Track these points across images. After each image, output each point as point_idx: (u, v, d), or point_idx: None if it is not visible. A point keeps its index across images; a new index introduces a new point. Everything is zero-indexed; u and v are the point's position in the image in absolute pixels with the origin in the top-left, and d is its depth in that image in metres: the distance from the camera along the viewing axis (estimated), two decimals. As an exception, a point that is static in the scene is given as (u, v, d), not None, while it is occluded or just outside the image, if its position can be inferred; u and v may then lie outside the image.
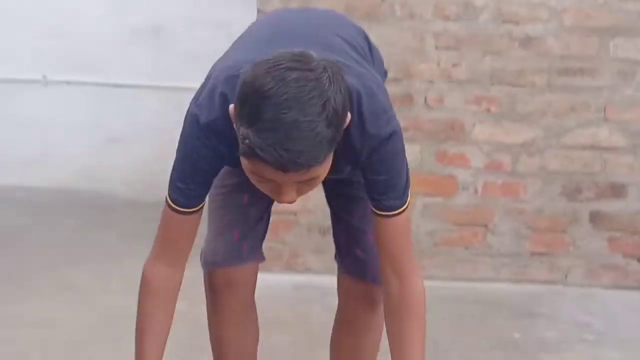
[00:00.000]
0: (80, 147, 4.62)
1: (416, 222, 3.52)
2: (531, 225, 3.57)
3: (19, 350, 2.86)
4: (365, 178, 1.81)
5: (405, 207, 1.81)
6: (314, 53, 1.61)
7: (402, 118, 3.42)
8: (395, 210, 1.80)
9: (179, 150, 1.80)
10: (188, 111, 1.78)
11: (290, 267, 3.55)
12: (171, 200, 1.81)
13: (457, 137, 3.51)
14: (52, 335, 3.00)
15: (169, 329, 1.87)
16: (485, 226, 3.57)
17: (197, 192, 1.80)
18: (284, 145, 1.55)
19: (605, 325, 3.22)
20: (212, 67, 1.82)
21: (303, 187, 1.65)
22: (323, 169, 1.63)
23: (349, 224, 2.03)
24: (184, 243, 1.84)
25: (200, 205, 1.82)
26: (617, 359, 2.94)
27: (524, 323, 3.22)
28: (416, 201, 3.51)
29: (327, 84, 1.56)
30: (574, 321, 3.26)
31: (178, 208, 1.81)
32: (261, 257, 2.07)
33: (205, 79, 1.80)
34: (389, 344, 1.87)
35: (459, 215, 3.57)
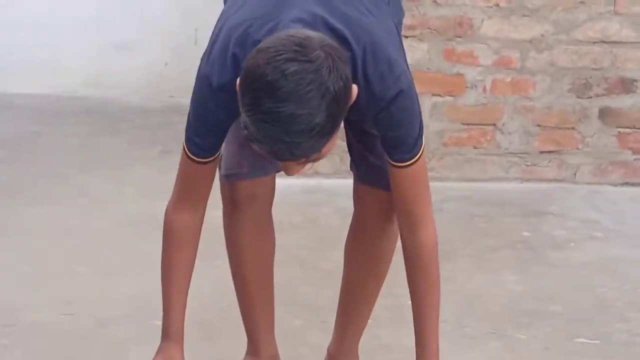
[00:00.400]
0: (88, 53, 4.60)
1: (425, 122, 3.50)
2: (540, 122, 3.56)
3: (34, 256, 2.91)
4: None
5: (416, 158, 1.82)
6: (316, 35, 1.62)
7: (410, 16, 3.43)
8: (405, 162, 1.82)
9: (192, 109, 1.82)
10: (199, 71, 1.80)
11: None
12: (189, 151, 1.84)
13: (465, 34, 3.48)
14: (67, 241, 3.04)
15: (191, 272, 1.93)
16: (494, 125, 3.57)
17: (214, 144, 1.83)
18: (281, 138, 1.59)
19: (614, 222, 3.25)
20: (219, 20, 1.83)
21: (308, 162, 1.69)
22: (326, 149, 1.66)
23: (361, 130, 2.03)
24: (203, 188, 1.88)
25: (219, 153, 1.86)
26: (626, 256, 2.97)
27: (533, 221, 3.25)
28: (424, 101, 3.51)
29: (326, 75, 1.58)
30: (583, 218, 3.29)
31: (196, 158, 1.84)
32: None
33: (214, 35, 1.81)
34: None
35: (468, 115, 3.56)
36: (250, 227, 2.09)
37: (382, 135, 1.84)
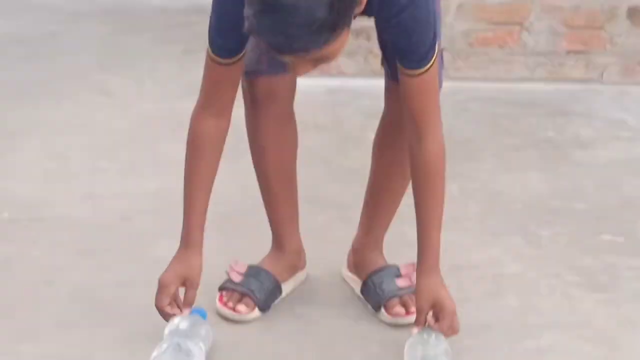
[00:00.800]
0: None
1: (450, 22, 3.47)
2: (567, 22, 3.50)
3: (58, 153, 2.92)
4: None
5: (426, 68, 1.81)
6: None
7: None
8: (415, 71, 1.81)
9: (213, 10, 1.81)
10: None
11: (324, 71, 3.53)
12: (213, 53, 1.83)
13: None
14: (89, 138, 3.05)
15: (214, 178, 1.93)
16: (521, 24, 3.51)
17: (237, 43, 1.81)
18: (280, 30, 1.58)
19: (640, 122, 3.22)
20: None
21: (317, 62, 1.68)
22: (333, 49, 1.64)
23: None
24: (229, 92, 1.88)
25: (243, 53, 1.84)
26: (651, 154, 2.96)
27: (559, 121, 3.22)
28: (451, 1, 3.45)
29: None
30: (609, 118, 3.25)
31: (221, 60, 1.83)
32: None
33: None
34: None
35: (494, 14, 3.50)
36: (271, 124, 2.08)
37: (393, 42, 1.83)
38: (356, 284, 2.19)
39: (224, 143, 1.92)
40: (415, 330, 1.91)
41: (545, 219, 2.54)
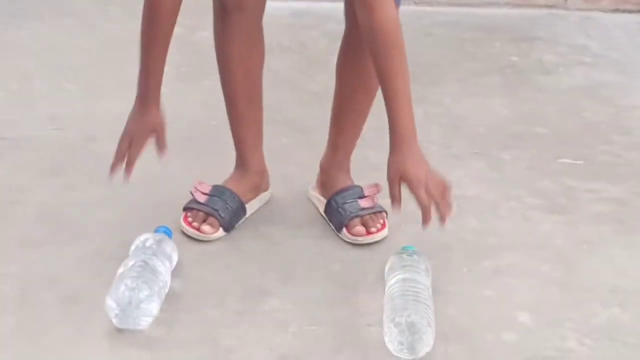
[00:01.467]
0: None
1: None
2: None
3: (21, 74, 2.90)
4: None
5: None
6: None
7: None
8: None
9: None
10: None
11: (289, -7, 3.53)
12: None
13: None
14: (53, 59, 3.03)
15: (169, 43, 1.92)
16: (487, -51, 3.52)
17: None
18: None
19: (603, 48, 3.24)
20: None
21: None
22: None
23: None
24: None
25: None
26: (613, 81, 2.98)
27: (523, 47, 3.24)
28: None
29: None
30: (572, 44, 3.28)
31: None
32: None
33: None
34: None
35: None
36: (239, 35, 2.08)
37: None
38: (321, 203, 2.22)
39: (178, 10, 1.90)
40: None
41: (507, 143, 2.57)
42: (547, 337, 1.81)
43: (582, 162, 2.47)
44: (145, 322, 1.77)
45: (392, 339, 1.74)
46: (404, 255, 1.95)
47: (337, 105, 2.19)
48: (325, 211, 2.18)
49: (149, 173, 2.29)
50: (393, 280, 1.87)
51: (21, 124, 2.60)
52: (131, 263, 1.83)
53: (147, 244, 1.89)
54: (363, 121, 2.20)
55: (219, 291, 1.92)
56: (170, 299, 1.87)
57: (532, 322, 1.85)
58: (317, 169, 2.27)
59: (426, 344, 1.74)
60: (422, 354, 1.74)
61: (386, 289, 1.87)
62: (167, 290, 1.87)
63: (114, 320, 1.76)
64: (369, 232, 2.10)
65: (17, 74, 2.90)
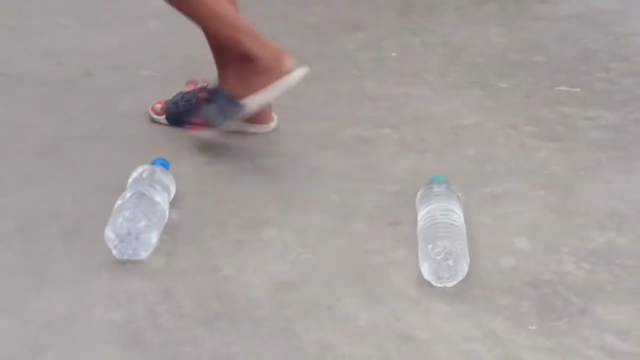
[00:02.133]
0: None
1: None
2: None
3: (19, 10, 2.89)
4: None
5: None
6: None
7: None
8: None
9: None
10: None
11: None
12: None
13: None
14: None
15: None
16: None
17: None
18: None
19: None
20: None
21: None
22: None
23: None
24: None
25: None
26: (610, 9, 2.97)
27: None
28: None
29: None
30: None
31: None
32: None
33: None
34: None
35: None
36: None
37: None
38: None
39: None
40: None
41: (504, 71, 2.57)
42: (544, 261, 1.83)
43: (579, 89, 2.47)
44: (144, 253, 1.79)
45: (428, 268, 1.75)
46: (434, 186, 1.95)
47: None
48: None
49: (148, 105, 2.30)
50: (425, 211, 1.88)
51: (19, 60, 2.60)
52: (129, 195, 1.84)
53: (145, 175, 1.90)
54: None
55: (218, 221, 1.94)
56: (170, 230, 1.89)
57: (529, 247, 1.87)
58: (311, 100, 2.27)
59: (462, 271, 1.75)
60: (457, 281, 1.75)
61: (418, 219, 1.88)
62: (165, 220, 1.89)
63: (114, 252, 1.78)
64: None
65: (15, 10, 2.90)
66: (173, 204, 1.95)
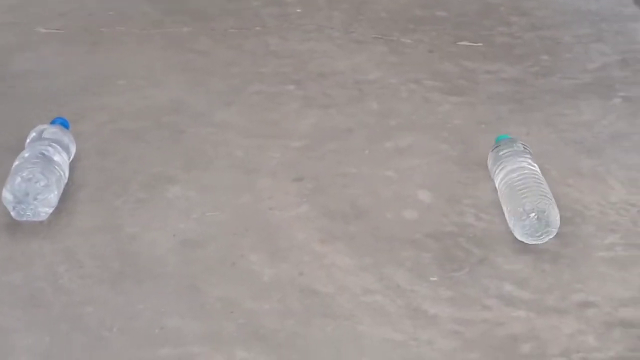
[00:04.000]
0: None
1: None
2: None
3: None
4: None
5: None
6: None
7: None
8: None
9: None
10: None
11: None
12: None
13: None
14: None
15: None
16: None
17: None
18: None
19: None
20: None
21: None
22: None
23: None
24: None
25: None
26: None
27: None
28: None
29: None
30: None
31: None
32: None
33: None
34: None
35: None
36: None
37: None
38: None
39: None
40: None
41: (408, 27, 2.58)
42: (446, 213, 1.85)
43: (481, 44, 2.50)
44: (44, 213, 1.76)
45: (524, 230, 1.76)
46: (502, 147, 1.94)
47: None
48: None
49: (46, 63, 2.26)
50: (502, 174, 1.88)
51: None
52: (27, 154, 1.80)
53: (44, 135, 1.87)
54: None
55: (121, 180, 1.91)
56: (71, 189, 1.86)
57: (431, 199, 1.90)
58: (215, 57, 2.25)
59: (555, 223, 1.76)
60: (553, 235, 1.76)
61: (497, 184, 1.88)
62: (65, 180, 1.86)
63: (12, 213, 1.75)
64: None
65: None
66: (74, 164, 1.92)
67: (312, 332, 1.56)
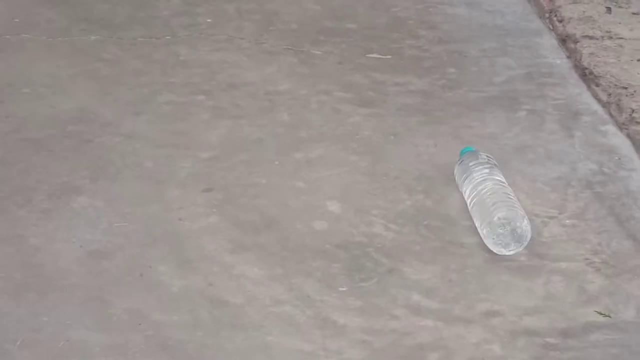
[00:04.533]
0: None
1: None
2: None
3: None
4: None
5: None
6: None
7: None
8: None
9: None
10: None
11: None
12: None
13: None
14: None
15: None
16: None
17: None
18: None
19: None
20: None
21: None
22: None
23: None
24: None
25: None
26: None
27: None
28: None
29: None
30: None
31: None
32: None
33: None
34: None
35: None
36: None
37: None
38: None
39: None
40: None
41: (318, 38, 2.59)
42: (355, 223, 1.86)
43: (390, 56, 2.52)
44: (-54, 224, 1.72)
45: (495, 241, 1.78)
46: (467, 160, 1.96)
47: None
48: None
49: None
50: (470, 187, 1.89)
51: None
52: None
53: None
54: None
55: (25, 190, 1.88)
56: (-27, 200, 1.82)
57: (341, 210, 1.91)
58: (124, 66, 2.23)
59: (527, 231, 1.78)
60: (525, 244, 1.78)
61: (466, 196, 1.90)
62: (-32, 190, 1.82)
63: None
64: None
65: None
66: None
67: (221, 344, 1.55)
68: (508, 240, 1.78)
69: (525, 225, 1.78)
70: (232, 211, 1.88)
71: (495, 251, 1.79)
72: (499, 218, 1.79)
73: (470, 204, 1.89)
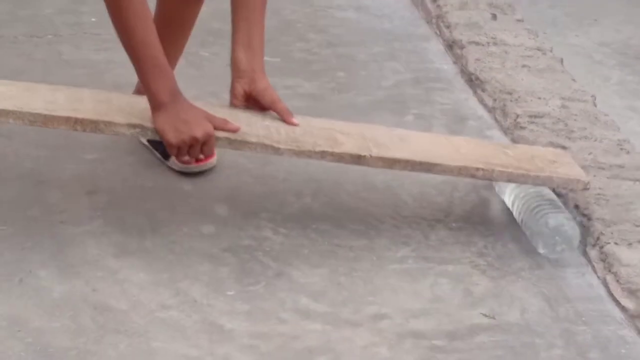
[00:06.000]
0: None
1: None
2: None
3: None
4: None
5: None
6: None
7: None
8: None
9: None
10: None
11: None
12: None
13: None
14: None
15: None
16: None
17: None
18: None
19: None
20: None
21: None
22: None
23: None
24: None
25: None
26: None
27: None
28: None
29: None
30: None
31: None
32: None
33: None
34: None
35: None
36: None
37: None
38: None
39: None
40: None
41: (207, 39, 2.56)
42: (243, 227, 1.84)
43: (279, 59, 2.51)
44: None
45: (544, 245, 1.83)
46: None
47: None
48: (149, 141, 2.03)
49: None
50: (513, 195, 1.93)
51: None
52: None
53: None
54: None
55: None
56: None
57: (229, 214, 1.88)
58: (6, 64, 2.16)
59: (575, 235, 1.84)
60: (576, 245, 1.84)
61: (509, 204, 1.94)
62: None
63: None
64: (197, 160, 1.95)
65: None
66: None
67: (105, 350, 1.51)
68: (558, 243, 1.85)
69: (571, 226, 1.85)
70: (117, 214, 1.84)
71: (547, 255, 1.85)
72: (544, 225, 1.85)
73: (515, 210, 1.94)
